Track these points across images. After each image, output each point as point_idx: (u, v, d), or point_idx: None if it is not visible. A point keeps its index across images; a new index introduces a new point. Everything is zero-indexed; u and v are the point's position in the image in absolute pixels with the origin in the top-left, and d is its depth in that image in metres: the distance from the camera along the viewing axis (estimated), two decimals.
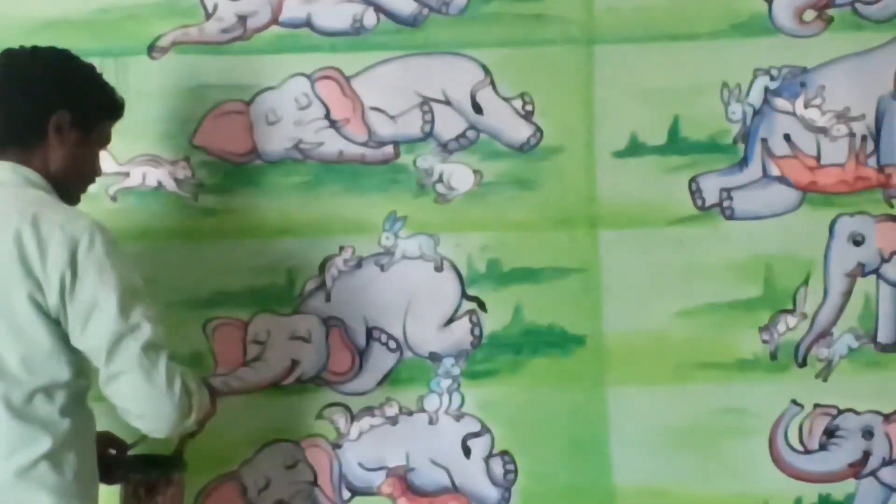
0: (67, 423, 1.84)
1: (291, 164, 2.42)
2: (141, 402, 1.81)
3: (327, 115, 2.42)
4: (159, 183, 2.41)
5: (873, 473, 2.45)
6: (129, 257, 1.90)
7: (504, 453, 2.42)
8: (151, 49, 2.40)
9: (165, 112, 2.40)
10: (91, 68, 2.01)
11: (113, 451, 2.13)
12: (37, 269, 1.77)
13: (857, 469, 2.44)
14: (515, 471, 2.42)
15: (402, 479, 2.42)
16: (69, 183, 1.96)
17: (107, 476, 2.08)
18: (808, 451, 2.44)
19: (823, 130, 2.44)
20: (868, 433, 2.44)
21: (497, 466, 2.42)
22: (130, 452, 2.15)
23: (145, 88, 2.39)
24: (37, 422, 1.81)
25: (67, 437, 1.84)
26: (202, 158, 2.41)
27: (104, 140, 2.05)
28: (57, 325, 1.80)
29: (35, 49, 1.97)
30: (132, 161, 2.39)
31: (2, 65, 1.95)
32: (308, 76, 2.42)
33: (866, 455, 2.44)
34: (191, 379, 1.88)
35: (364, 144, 2.42)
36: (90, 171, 2.03)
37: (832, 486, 2.44)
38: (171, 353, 1.84)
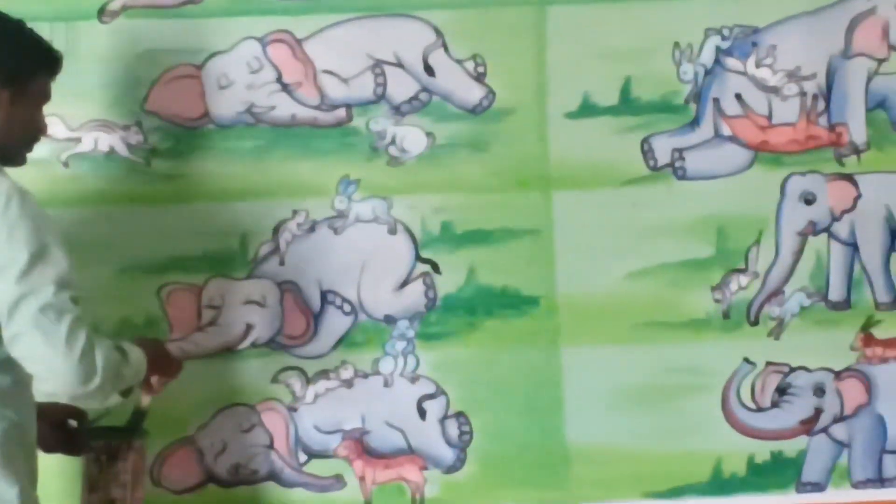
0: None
1: (244, 128, 2.51)
2: (38, 363, 1.84)
3: (279, 79, 2.52)
4: (111, 148, 2.50)
5: (825, 430, 2.57)
6: (53, 221, 1.93)
7: (459, 414, 2.53)
8: (101, 13, 2.49)
9: (117, 77, 2.50)
10: (16, 24, 2.00)
11: (74, 423, 2.20)
12: None
13: (808, 426, 2.56)
14: (471, 431, 2.53)
15: (359, 441, 2.52)
16: (8, 145, 1.97)
17: (69, 446, 2.17)
18: (760, 409, 2.56)
19: (775, 90, 2.55)
20: (819, 390, 2.56)
21: (452, 427, 2.54)
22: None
23: (96, 53, 2.48)
24: None
25: None
26: (154, 123, 2.50)
27: (42, 97, 2.03)
28: None
29: None
30: (84, 126, 2.49)
31: None
32: (259, 39, 2.51)
33: (818, 412, 2.56)
34: (106, 346, 1.90)
35: (316, 108, 2.52)
36: (31, 130, 2.02)
37: (784, 442, 2.56)
38: (79, 318, 1.85)
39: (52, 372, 1.85)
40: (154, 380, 2.14)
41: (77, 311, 1.86)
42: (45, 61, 2.03)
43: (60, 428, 2.17)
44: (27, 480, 1.94)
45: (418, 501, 2.53)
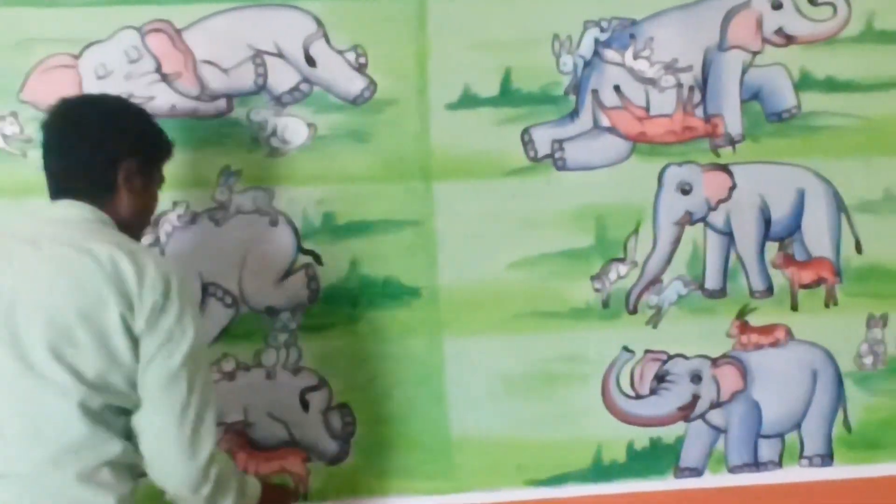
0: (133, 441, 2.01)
1: None
2: (159, 455, 1.99)
3: (158, 69, 2.57)
4: None
5: (702, 416, 2.70)
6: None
7: (342, 406, 2.62)
8: None
9: None
10: (145, 113, 2.21)
11: None
12: (133, 293, 1.94)
13: (686, 412, 2.70)
14: (354, 423, 2.62)
15: (241, 434, 2.59)
16: (135, 226, 2.16)
17: None
18: (639, 396, 2.69)
19: (652, 81, 2.67)
20: (696, 377, 2.69)
21: (335, 419, 2.62)
22: None
23: None
24: (109, 428, 1.96)
25: (132, 454, 1.99)
26: (31, 114, 2.53)
27: (161, 181, 2.25)
28: (136, 348, 1.96)
29: (90, 98, 2.22)
30: None
31: (60, 115, 2.12)
32: (138, 29, 2.56)
33: (695, 398, 2.69)
34: (224, 461, 2.09)
35: (196, 98, 2.58)
36: (152, 213, 2.23)
37: (663, 429, 2.69)
38: (212, 424, 2.04)
39: (170, 469, 2.00)
40: None
41: (213, 417, 2.02)
42: (167, 148, 2.25)
43: None
44: None
45: (302, 494, 2.61)
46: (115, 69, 2.56)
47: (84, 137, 2.09)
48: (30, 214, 2.14)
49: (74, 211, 2.06)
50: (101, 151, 2.09)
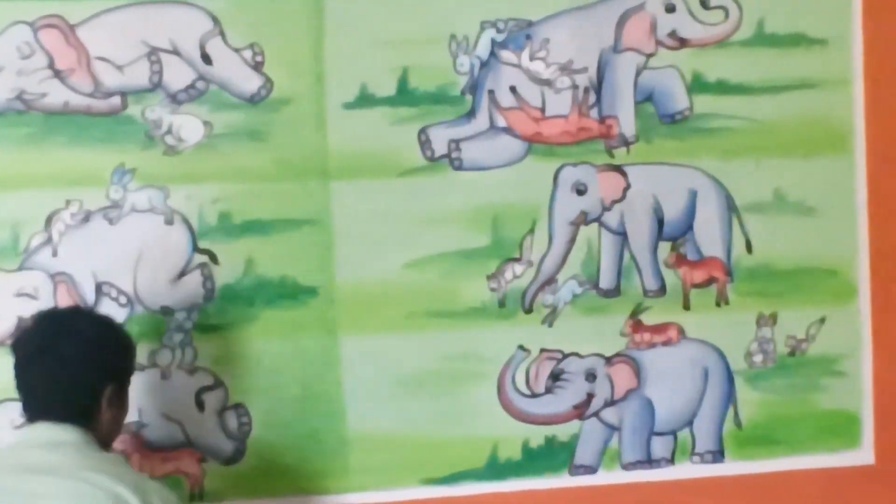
0: None
1: (14, 115, 2.56)
2: None
3: (51, 65, 2.57)
4: None
5: (596, 414, 2.77)
6: None
7: (238, 406, 2.64)
8: None
9: None
10: (118, 329, 2.27)
11: None
12: None
13: (581, 410, 2.76)
14: (250, 423, 2.64)
15: (136, 435, 2.59)
16: (110, 440, 2.19)
17: None
18: (534, 395, 2.75)
19: (548, 83, 2.73)
20: (591, 375, 2.76)
21: (231, 419, 2.64)
22: None
23: None
24: None
25: None
26: None
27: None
28: None
29: (66, 322, 2.19)
30: None
31: (36, 340, 2.14)
32: (30, 24, 2.56)
33: (590, 396, 2.76)
34: None
35: (90, 95, 2.59)
36: (125, 419, 2.25)
37: (558, 427, 2.76)
38: None
39: None
40: None
41: None
42: (135, 360, 2.31)
43: None
44: None
45: (197, 494, 2.63)
46: (7, 65, 2.56)
47: (66, 368, 2.10)
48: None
49: (60, 435, 2.07)
50: (85, 382, 2.12)
